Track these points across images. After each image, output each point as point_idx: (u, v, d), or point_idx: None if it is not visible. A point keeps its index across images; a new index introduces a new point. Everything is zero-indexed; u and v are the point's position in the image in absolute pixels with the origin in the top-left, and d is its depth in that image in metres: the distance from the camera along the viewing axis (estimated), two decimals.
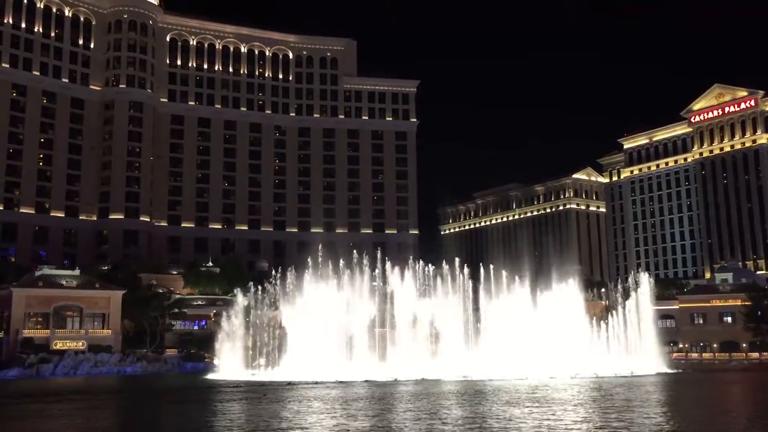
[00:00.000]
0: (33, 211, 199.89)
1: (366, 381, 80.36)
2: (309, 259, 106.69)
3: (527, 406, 43.51)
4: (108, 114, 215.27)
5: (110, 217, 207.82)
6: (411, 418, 38.29)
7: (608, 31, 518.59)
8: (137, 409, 46.03)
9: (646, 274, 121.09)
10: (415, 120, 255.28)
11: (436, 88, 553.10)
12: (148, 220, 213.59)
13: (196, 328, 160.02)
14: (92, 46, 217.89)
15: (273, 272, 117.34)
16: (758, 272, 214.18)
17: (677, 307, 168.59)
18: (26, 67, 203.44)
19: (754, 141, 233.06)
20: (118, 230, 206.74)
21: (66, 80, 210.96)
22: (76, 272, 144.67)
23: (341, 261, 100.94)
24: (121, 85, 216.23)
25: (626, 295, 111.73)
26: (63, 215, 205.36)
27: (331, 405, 46.74)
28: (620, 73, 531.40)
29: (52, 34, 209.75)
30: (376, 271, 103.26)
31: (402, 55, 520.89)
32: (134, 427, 34.00)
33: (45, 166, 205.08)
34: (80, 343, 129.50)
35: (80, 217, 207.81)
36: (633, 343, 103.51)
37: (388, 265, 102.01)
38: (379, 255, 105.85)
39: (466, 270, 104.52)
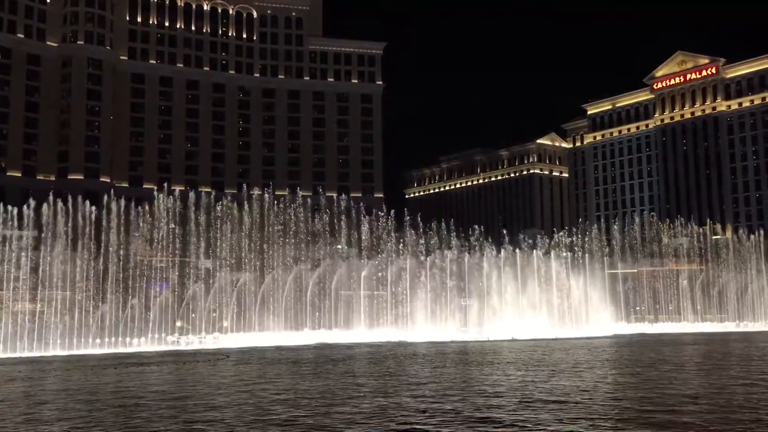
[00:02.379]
0: None
1: (318, 344, 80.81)
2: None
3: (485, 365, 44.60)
4: (66, 71, 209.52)
5: (69, 177, 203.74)
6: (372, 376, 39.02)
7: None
8: (95, 372, 46.04)
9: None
10: (381, 83, 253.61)
11: (402, 51, 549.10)
12: (109, 180, 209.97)
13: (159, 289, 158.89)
14: (48, 0, 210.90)
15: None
16: (714, 237, 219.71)
17: (635, 270, 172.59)
18: None
19: (714, 108, 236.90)
20: (77, 191, 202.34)
21: (21, 36, 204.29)
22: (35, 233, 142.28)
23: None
24: (79, 42, 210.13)
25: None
26: (20, 175, 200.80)
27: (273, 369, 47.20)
28: (586, 38, 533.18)
29: None
30: (342, 234, 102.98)
31: (368, 16, 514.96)
32: (102, 390, 34.06)
33: (0, 124, 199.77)
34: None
35: (38, 177, 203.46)
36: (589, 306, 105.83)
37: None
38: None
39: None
